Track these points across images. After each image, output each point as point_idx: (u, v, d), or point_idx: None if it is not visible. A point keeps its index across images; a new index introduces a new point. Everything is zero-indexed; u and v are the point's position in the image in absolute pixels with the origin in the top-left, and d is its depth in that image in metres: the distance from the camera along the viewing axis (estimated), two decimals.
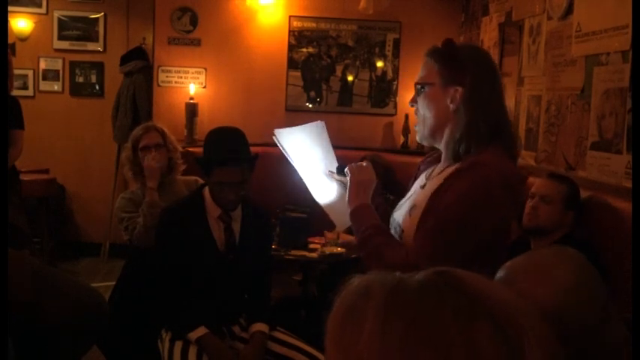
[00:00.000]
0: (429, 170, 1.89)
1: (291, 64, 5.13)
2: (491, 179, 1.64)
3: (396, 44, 5.12)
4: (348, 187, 1.83)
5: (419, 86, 1.79)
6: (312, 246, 3.56)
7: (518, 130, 3.83)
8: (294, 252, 3.49)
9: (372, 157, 4.11)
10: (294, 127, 2.01)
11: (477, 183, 1.63)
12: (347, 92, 5.16)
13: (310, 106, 5.17)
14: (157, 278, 2.66)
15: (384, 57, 5.15)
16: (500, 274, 1.24)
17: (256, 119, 4.84)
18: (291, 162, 1.94)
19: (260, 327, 2.62)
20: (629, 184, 2.55)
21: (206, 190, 2.68)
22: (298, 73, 5.14)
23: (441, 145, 1.81)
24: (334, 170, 1.97)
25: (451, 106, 1.73)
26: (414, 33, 5.04)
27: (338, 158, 2.02)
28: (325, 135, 2.02)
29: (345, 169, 1.88)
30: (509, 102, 4.00)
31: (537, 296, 1.14)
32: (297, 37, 5.13)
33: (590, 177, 2.89)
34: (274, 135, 1.96)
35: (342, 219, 1.94)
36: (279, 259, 3.40)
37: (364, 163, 1.88)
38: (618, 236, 2.38)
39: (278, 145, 1.95)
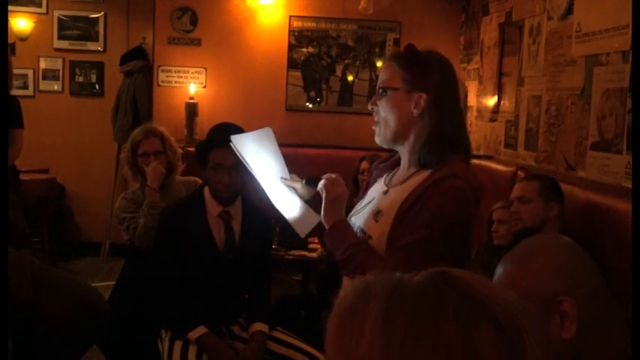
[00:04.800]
0: (387, 176, 1.89)
1: (291, 64, 5.13)
2: (465, 192, 1.68)
3: (396, 44, 5.12)
4: (323, 205, 1.81)
5: (381, 90, 1.79)
6: (312, 246, 3.56)
7: (518, 130, 3.84)
8: (294, 252, 3.50)
9: (372, 157, 4.12)
10: (246, 133, 1.98)
11: (453, 197, 1.67)
12: (347, 92, 5.15)
13: (310, 106, 5.16)
14: (156, 278, 2.67)
15: (384, 57, 5.15)
16: (502, 264, 1.26)
17: (256, 119, 4.83)
18: (249, 168, 1.91)
19: (260, 327, 2.63)
20: (629, 184, 2.55)
21: (206, 190, 2.69)
22: (298, 73, 5.13)
23: (404, 150, 1.82)
24: (286, 177, 1.94)
25: (415, 111, 1.74)
26: (414, 33, 5.04)
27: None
28: (274, 141, 1.98)
29: (319, 186, 1.84)
30: (510, 102, 4.00)
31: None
32: (297, 37, 5.13)
33: (590, 177, 2.89)
34: (231, 141, 1.92)
35: (301, 226, 1.91)
36: (279, 259, 3.40)
37: (334, 175, 1.86)
38: (618, 236, 2.38)
39: (235, 151, 1.92)
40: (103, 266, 5.78)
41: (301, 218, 1.90)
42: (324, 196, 1.82)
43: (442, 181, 1.68)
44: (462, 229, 1.71)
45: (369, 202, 1.86)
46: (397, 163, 1.90)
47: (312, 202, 1.91)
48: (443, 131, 1.74)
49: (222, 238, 2.66)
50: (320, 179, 1.86)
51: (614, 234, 2.44)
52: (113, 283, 3.38)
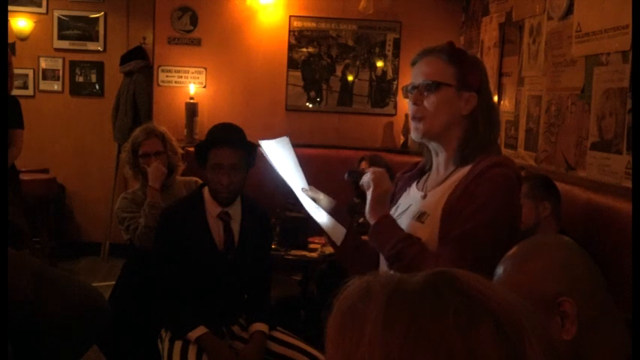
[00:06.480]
0: (419, 184, 1.87)
1: (291, 64, 5.13)
2: (511, 178, 1.69)
3: (396, 44, 5.12)
4: (368, 200, 1.78)
5: (431, 83, 1.73)
6: (312, 246, 3.56)
7: (518, 130, 3.84)
8: (294, 252, 3.50)
9: (372, 157, 4.12)
10: (273, 140, 1.92)
11: (501, 183, 1.67)
12: (347, 92, 5.15)
13: (310, 106, 5.16)
14: (156, 278, 2.67)
15: (384, 57, 5.15)
16: (502, 264, 1.26)
17: (256, 119, 4.84)
18: (280, 174, 1.87)
19: (260, 327, 2.63)
20: (629, 184, 2.55)
21: (205, 190, 2.69)
22: (298, 73, 5.13)
23: (442, 149, 1.79)
24: (306, 187, 1.91)
25: (464, 110, 1.74)
26: (414, 33, 5.04)
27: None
28: (292, 150, 1.95)
29: (365, 180, 1.80)
30: (510, 102, 4.00)
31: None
32: (297, 37, 5.13)
33: (590, 177, 2.89)
34: (260, 146, 1.90)
35: (336, 234, 1.89)
36: (279, 259, 3.40)
37: (379, 169, 1.82)
38: (618, 236, 2.38)
39: (265, 156, 1.90)
40: (103, 266, 5.78)
41: (332, 228, 1.88)
42: (371, 190, 1.77)
43: (488, 170, 1.68)
44: (512, 215, 1.71)
45: (405, 210, 1.83)
46: (422, 171, 1.89)
47: (333, 213, 1.88)
48: (489, 130, 1.76)
49: (222, 239, 2.66)
50: (362, 173, 1.83)
51: (614, 234, 2.44)
52: (113, 283, 3.39)
